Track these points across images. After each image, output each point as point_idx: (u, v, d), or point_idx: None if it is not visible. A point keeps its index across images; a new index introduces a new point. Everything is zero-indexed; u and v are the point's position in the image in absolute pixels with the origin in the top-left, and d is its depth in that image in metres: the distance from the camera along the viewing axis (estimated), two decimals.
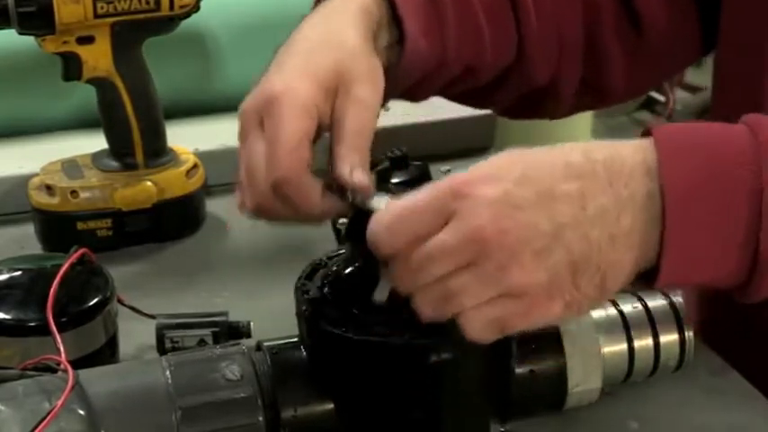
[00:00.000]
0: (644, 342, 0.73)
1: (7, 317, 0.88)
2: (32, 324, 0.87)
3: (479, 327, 0.65)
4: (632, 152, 0.67)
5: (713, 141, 0.68)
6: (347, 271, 0.73)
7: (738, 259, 0.66)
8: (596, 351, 0.72)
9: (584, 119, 2.38)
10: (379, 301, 0.68)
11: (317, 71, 0.83)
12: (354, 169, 0.77)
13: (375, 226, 0.66)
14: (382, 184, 1.01)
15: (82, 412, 0.65)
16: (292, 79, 0.84)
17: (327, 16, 0.89)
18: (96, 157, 1.19)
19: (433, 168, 1.11)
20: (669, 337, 0.73)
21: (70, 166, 1.18)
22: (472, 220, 0.65)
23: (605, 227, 0.65)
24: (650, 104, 3.39)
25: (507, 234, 0.64)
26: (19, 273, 0.91)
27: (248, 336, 0.97)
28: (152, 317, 0.98)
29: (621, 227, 0.65)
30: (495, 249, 0.64)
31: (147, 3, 1.11)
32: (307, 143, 0.80)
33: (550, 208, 0.65)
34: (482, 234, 0.64)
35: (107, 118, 1.17)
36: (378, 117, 0.86)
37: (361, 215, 0.69)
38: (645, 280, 0.68)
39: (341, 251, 0.75)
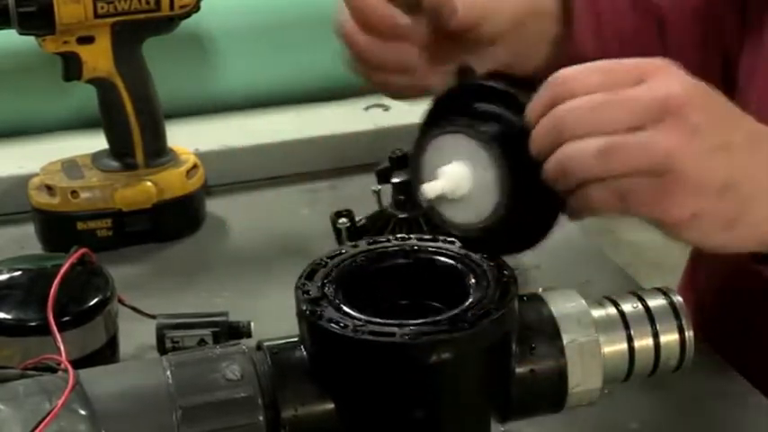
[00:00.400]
0: (644, 342, 0.73)
1: (7, 317, 0.88)
2: (33, 324, 0.87)
3: (603, 192, 0.67)
4: None
5: None
6: (347, 271, 0.73)
7: None
8: (596, 351, 0.72)
9: None
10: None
11: None
12: None
13: (567, 70, 0.69)
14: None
15: (82, 412, 0.65)
16: None
17: None
18: (96, 157, 1.19)
19: None
20: (669, 337, 0.73)
21: (70, 166, 1.18)
22: (668, 88, 0.67)
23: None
24: None
25: (697, 112, 0.66)
26: (19, 273, 0.92)
27: (248, 336, 0.97)
28: (152, 317, 0.98)
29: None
30: (683, 115, 0.66)
31: (147, 3, 1.11)
32: None
33: (735, 123, 0.68)
34: (675, 101, 0.66)
35: (107, 118, 1.17)
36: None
37: None
38: None
39: (341, 251, 0.75)
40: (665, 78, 0.67)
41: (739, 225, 0.68)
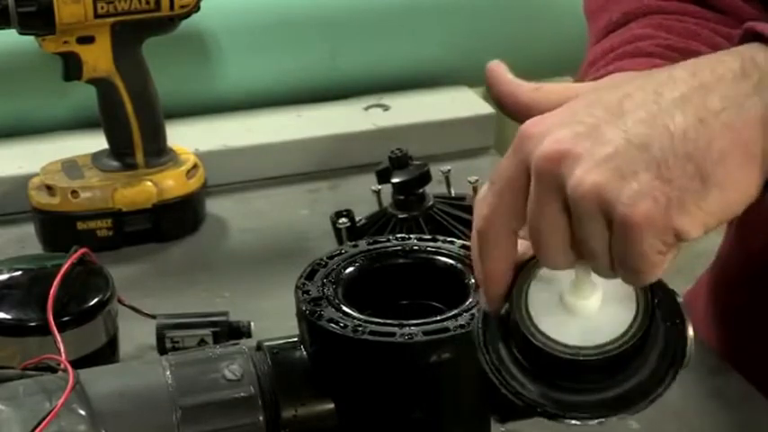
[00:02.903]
0: None
1: (7, 317, 0.88)
2: (33, 324, 0.87)
3: (558, 251, 0.59)
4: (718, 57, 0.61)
5: None
6: (347, 271, 0.73)
7: None
8: None
9: None
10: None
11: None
12: None
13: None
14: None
15: (82, 412, 0.65)
16: None
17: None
18: (96, 157, 1.19)
19: (433, 168, 1.11)
20: None
21: (70, 166, 1.18)
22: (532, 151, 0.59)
23: (688, 111, 0.58)
24: None
25: (564, 144, 0.58)
26: (19, 273, 0.92)
27: (248, 336, 0.97)
28: (152, 317, 0.98)
29: (710, 107, 0.58)
30: (552, 164, 0.58)
31: (147, 3, 1.11)
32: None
33: (619, 113, 0.59)
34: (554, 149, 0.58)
35: (107, 118, 1.17)
36: None
37: None
38: None
39: (341, 251, 0.75)
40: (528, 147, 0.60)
41: (709, 168, 0.58)
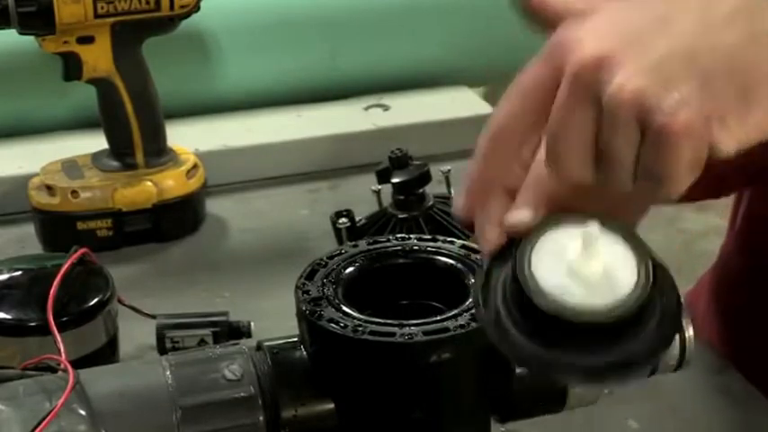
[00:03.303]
0: None
1: (7, 317, 0.88)
2: (33, 324, 0.87)
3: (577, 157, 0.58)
4: None
5: None
6: (347, 271, 0.73)
7: None
8: None
9: None
10: None
11: None
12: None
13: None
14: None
15: (82, 412, 0.65)
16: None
17: None
18: (96, 157, 1.19)
19: (433, 168, 1.11)
20: None
21: (70, 166, 1.18)
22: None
23: (739, 27, 0.57)
24: None
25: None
26: (19, 273, 0.92)
27: (248, 336, 0.97)
28: (152, 317, 0.98)
29: (761, 26, 0.57)
30: (588, 70, 0.57)
31: (147, 3, 1.11)
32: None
33: (665, 21, 0.57)
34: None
35: (107, 118, 1.17)
36: None
37: None
38: None
39: (341, 251, 0.75)
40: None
41: (754, 88, 0.57)
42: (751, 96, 0.56)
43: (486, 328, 0.61)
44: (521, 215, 0.62)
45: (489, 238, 0.63)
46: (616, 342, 0.60)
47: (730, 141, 0.57)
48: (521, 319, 0.61)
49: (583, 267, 0.61)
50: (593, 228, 0.61)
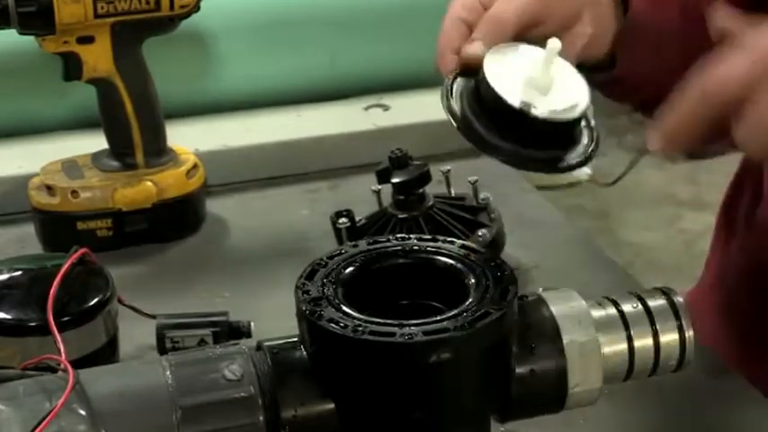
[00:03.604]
0: (644, 342, 0.73)
1: (7, 317, 0.88)
2: (33, 324, 0.87)
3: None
4: None
5: None
6: (347, 271, 0.73)
7: None
8: (596, 351, 0.72)
9: None
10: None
11: None
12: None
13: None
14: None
15: (82, 412, 0.65)
16: None
17: None
18: (96, 157, 1.19)
19: (433, 168, 1.11)
20: (669, 337, 0.73)
21: (70, 166, 1.18)
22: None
23: None
24: None
25: None
26: (19, 273, 0.92)
27: (248, 336, 0.97)
28: (152, 317, 0.98)
29: None
30: None
31: (147, 3, 1.11)
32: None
33: None
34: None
35: (107, 118, 1.17)
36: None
37: None
38: None
39: (341, 251, 0.75)
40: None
41: None
42: None
43: (451, 118, 0.79)
44: (474, 47, 0.81)
45: (447, 62, 0.82)
46: (553, 141, 0.79)
47: None
48: (485, 119, 0.79)
49: (541, 76, 0.78)
50: (556, 42, 0.78)
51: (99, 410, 0.65)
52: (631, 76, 0.95)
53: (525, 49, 0.83)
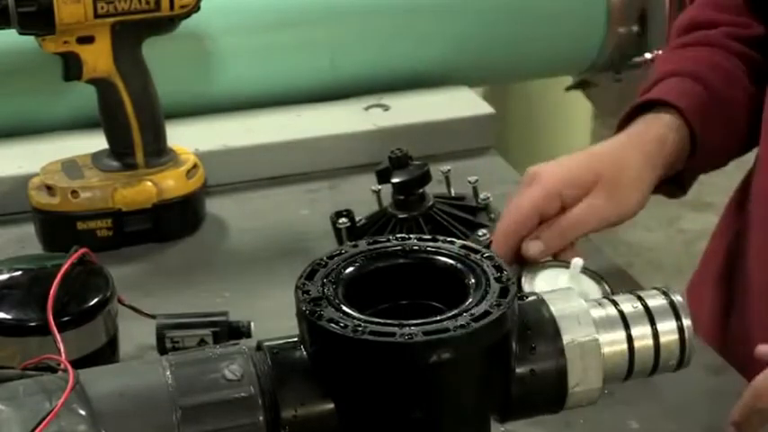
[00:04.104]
0: (644, 342, 0.73)
1: (7, 317, 0.88)
2: (33, 324, 0.87)
3: None
4: None
5: None
6: (347, 271, 0.73)
7: None
8: (596, 351, 0.72)
9: (584, 122, 2.38)
10: None
11: (573, 166, 1.01)
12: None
13: None
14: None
15: (82, 412, 0.65)
16: (554, 164, 1.02)
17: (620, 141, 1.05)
18: (96, 157, 1.19)
19: (433, 168, 1.11)
20: (669, 337, 0.73)
21: (70, 166, 1.18)
22: None
23: None
24: None
25: None
26: (19, 273, 0.92)
27: (248, 336, 0.97)
28: (152, 317, 0.98)
29: None
30: None
31: (147, 3, 1.11)
32: (531, 213, 0.99)
33: None
34: None
35: (107, 118, 1.17)
36: (603, 225, 1.03)
37: None
38: None
39: (341, 251, 0.75)
40: None
41: None
42: None
43: None
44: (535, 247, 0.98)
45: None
46: None
47: None
48: None
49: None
50: (579, 261, 0.96)
51: (99, 410, 0.65)
52: (705, 153, 1.05)
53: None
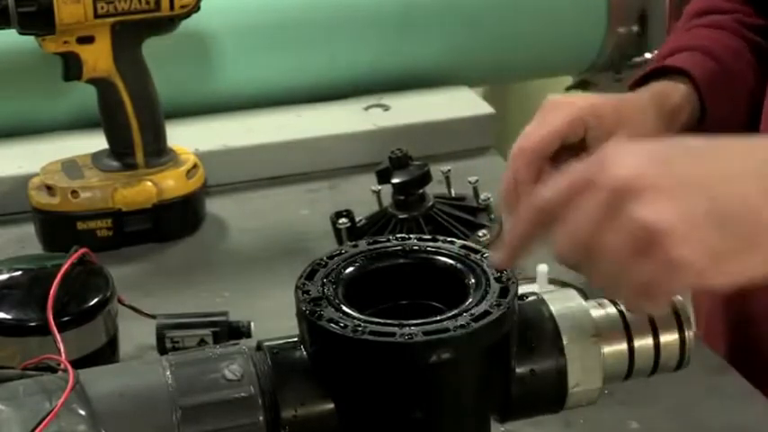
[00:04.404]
0: (644, 342, 0.73)
1: (7, 317, 0.88)
2: (33, 324, 0.87)
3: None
4: None
5: None
6: (347, 271, 0.73)
7: None
8: (596, 351, 0.72)
9: None
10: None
11: (597, 101, 0.97)
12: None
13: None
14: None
15: (82, 412, 0.65)
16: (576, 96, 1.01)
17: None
18: (96, 157, 1.19)
19: (434, 168, 1.11)
20: (669, 337, 0.73)
21: (70, 166, 1.18)
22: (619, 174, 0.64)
23: (761, 181, 0.64)
24: None
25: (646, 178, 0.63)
26: (19, 273, 0.92)
27: (248, 336, 0.97)
28: (152, 317, 0.98)
29: None
30: (624, 191, 0.63)
31: (147, 3, 1.11)
32: (554, 135, 0.93)
33: (701, 171, 0.65)
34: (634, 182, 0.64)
35: (107, 118, 1.17)
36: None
37: None
38: None
39: (341, 251, 0.75)
40: (616, 163, 0.65)
41: (761, 237, 0.64)
42: (754, 243, 0.63)
43: None
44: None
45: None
46: None
47: (726, 279, 0.64)
48: None
49: None
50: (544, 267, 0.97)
51: (99, 410, 0.65)
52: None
53: None
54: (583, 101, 0.96)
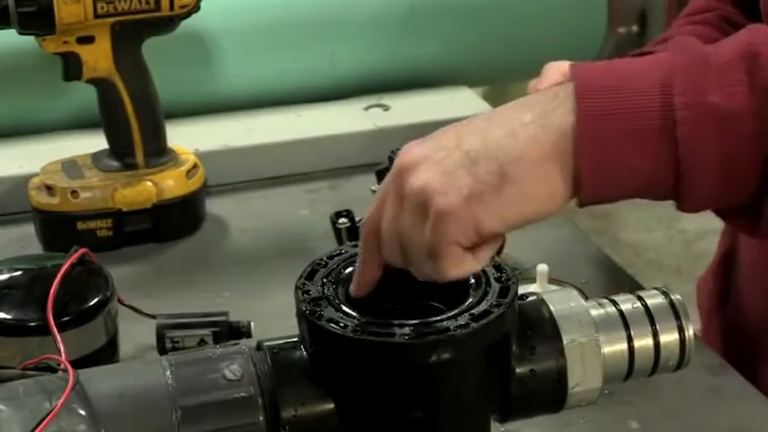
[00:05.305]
0: (644, 341, 0.73)
1: (7, 317, 0.88)
2: (33, 324, 0.87)
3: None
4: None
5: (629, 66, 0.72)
6: (347, 271, 0.73)
7: (657, 152, 0.67)
8: (596, 351, 0.72)
9: None
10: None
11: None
12: None
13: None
14: None
15: (82, 412, 0.65)
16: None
17: None
18: (96, 157, 1.19)
19: None
20: (669, 337, 0.73)
21: (70, 166, 1.18)
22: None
23: (506, 126, 0.69)
24: None
25: (415, 156, 0.69)
26: (19, 273, 0.92)
27: (248, 336, 0.97)
28: (152, 317, 0.98)
29: (522, 121, 0.69)
30: (403, 171, 0.69)
31: (147, 3, 1.11)
32: None
33: (459, 134, 0.70)
34: (399, 169, 0.69)
35: (107, 118, 1.17)
36: None
37: None
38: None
39: (341, 251, 0.75)
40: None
41: (509, 170, 0.68)
42: (505, 176, 0.67)
43: None
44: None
45: None
46: None
47: (491, 218, 0.67)
48: None
49: None
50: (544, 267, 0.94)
51: (99, 410, 0.65)
52: None
53: None
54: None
